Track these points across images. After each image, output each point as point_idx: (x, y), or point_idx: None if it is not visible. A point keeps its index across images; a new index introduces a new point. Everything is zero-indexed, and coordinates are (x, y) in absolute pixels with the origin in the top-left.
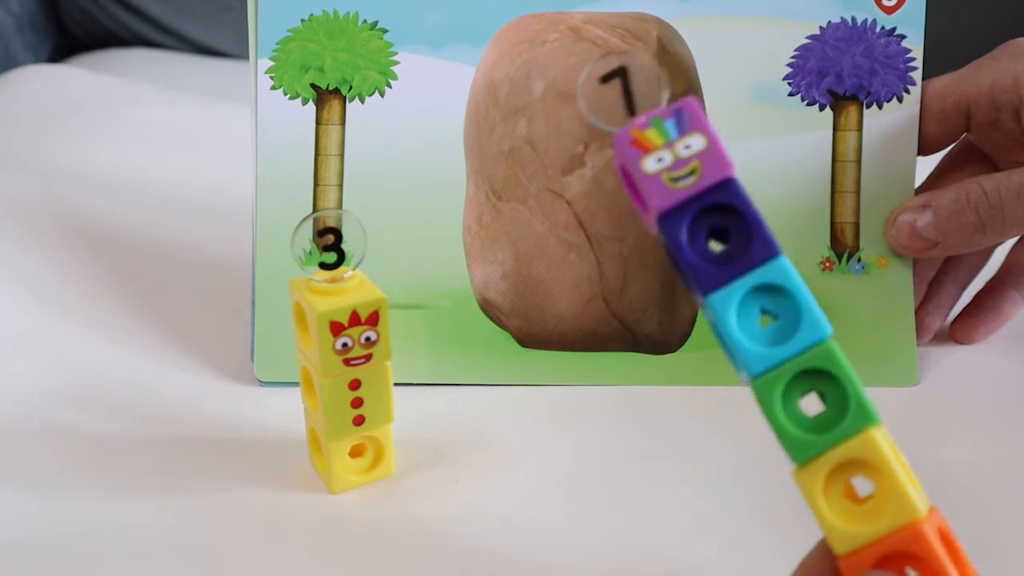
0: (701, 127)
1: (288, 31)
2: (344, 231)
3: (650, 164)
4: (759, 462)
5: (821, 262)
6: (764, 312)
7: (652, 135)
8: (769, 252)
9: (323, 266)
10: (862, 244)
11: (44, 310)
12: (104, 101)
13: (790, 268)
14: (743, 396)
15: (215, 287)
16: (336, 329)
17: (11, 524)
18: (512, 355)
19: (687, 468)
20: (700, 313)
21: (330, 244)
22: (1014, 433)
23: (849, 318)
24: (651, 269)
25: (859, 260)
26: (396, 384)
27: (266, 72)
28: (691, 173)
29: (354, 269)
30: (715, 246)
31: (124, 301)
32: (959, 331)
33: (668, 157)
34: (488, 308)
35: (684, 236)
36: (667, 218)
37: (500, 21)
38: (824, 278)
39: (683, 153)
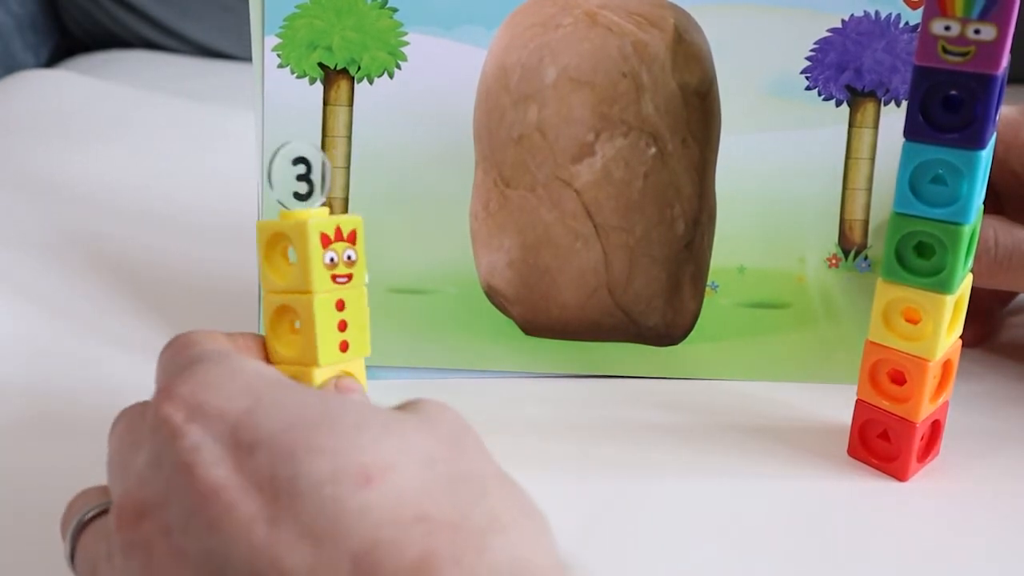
0: (1002, 22)
1: (296, 7)
2: (312, 164)
3: (937, 27)
4: (760, 454)
5: (828, 259)
6: (936, 179)
7: (959, 2)
8: (976, 144)
9: (296, 196)
10: (870, 242)
11: (45, 313)
12: (104, 106)
13: (982, 164)
14: (744, 389)
15: (218, 291)
16: (325, 241)
17: (14, 520)
18: (516, 343)
19: (688, 462)
20: (704, 306)
21: (302, 175)
22: (1015, 428)
23: (854, 315)
24: (657, 261)
25: (866, 258)
26: (400, 368)
27: (273, 49)
28: (963, 55)
29: (323, 201)
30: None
31: (129, 303)
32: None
33: (955, 29)
34: (493, 295)
35: (922, 89)
36: (920, 69)
37: (513, 3)
38: (830, 274)
39: (970, 35)
